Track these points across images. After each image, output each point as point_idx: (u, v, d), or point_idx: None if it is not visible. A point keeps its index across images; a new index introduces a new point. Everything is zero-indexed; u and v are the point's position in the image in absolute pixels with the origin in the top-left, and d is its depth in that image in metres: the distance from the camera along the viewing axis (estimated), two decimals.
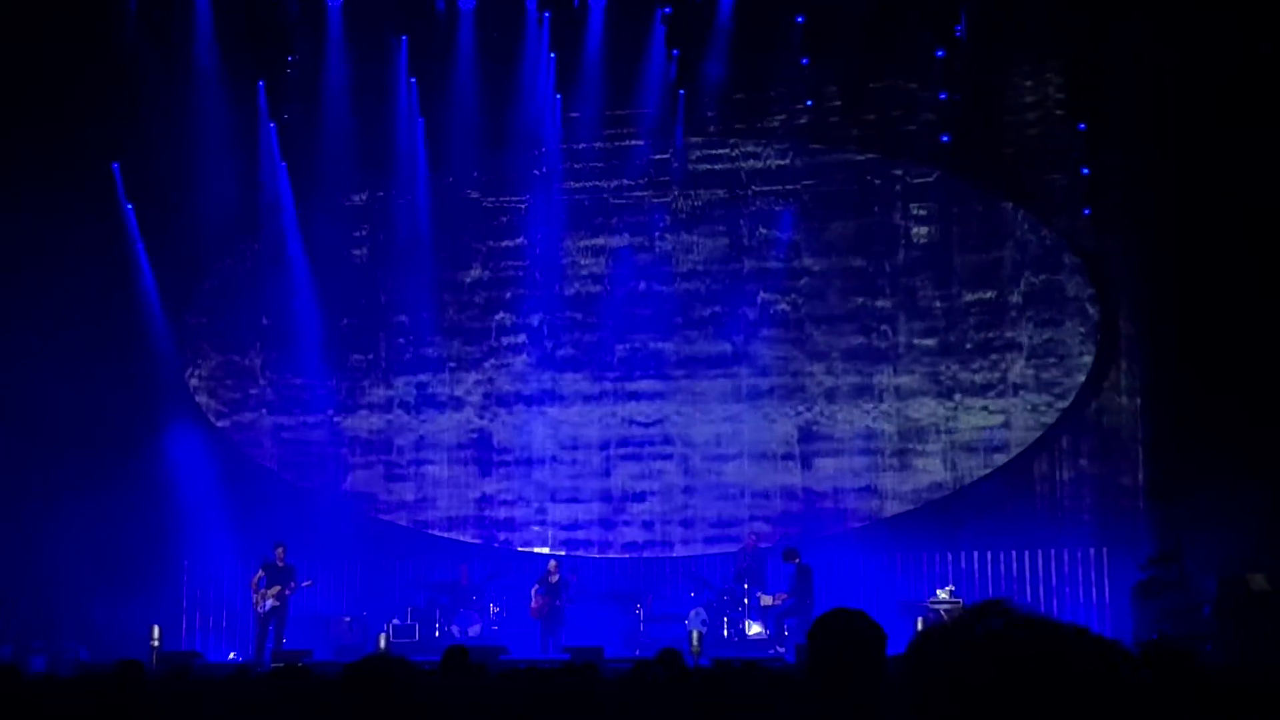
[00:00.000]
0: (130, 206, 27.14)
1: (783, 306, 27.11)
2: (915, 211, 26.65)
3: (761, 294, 27.17)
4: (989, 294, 26.25)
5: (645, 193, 27.75)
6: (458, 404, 27.94)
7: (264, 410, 28.18)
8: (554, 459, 27.67)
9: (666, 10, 26.92)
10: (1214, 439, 22.74)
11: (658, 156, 27.67)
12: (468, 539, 27.61)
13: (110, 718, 7.14)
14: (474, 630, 25.13)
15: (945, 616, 22.67)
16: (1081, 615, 24.72)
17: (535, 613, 25.08)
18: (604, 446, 27.52)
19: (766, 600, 24.64)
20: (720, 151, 27.61)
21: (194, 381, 28.29)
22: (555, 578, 25.20)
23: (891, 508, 26.29)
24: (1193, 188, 23.17)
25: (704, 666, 18.23)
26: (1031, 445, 25.85)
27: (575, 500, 27.51)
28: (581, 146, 27.79)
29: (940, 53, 25.93)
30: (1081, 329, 25.87)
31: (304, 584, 24.87)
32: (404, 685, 5.04)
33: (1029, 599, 25.20)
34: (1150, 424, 24.75)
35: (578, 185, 27.91)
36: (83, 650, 23.84)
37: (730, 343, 27.21)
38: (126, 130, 26.39)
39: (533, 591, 25.23)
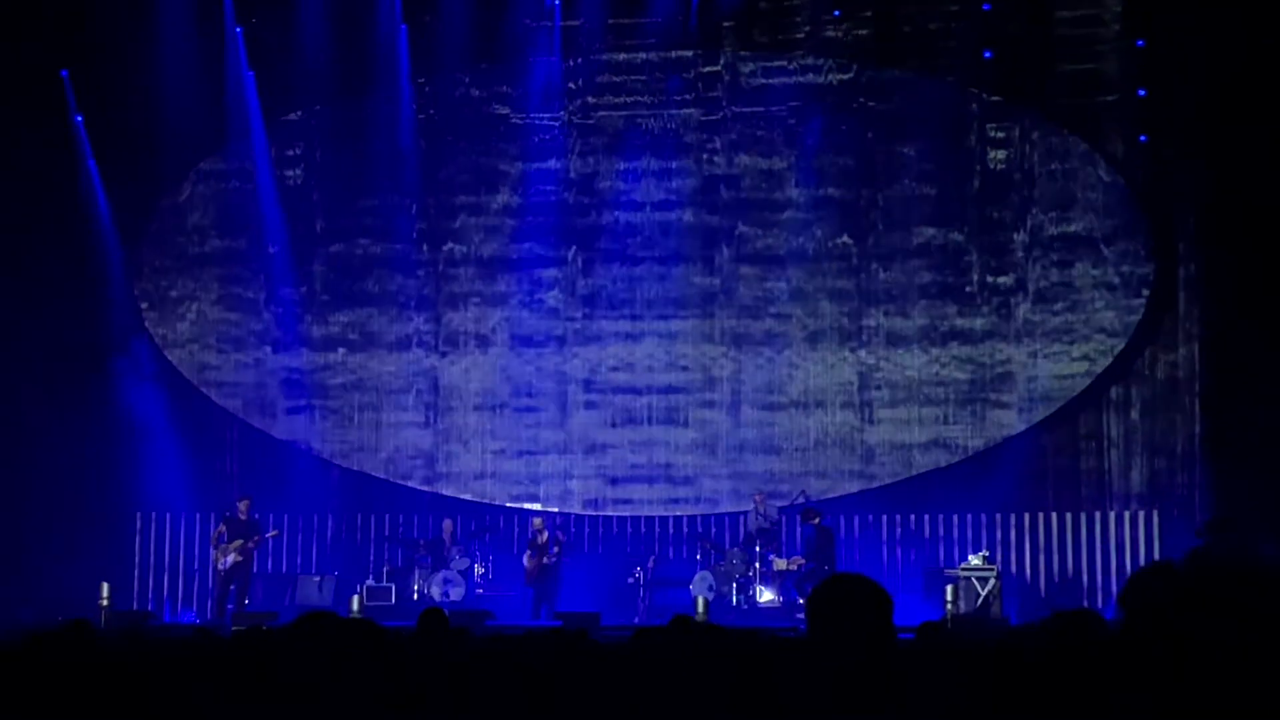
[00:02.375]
0: (80, 118, 27.00)
1: (844, 240, 26.92)
2: (993, 134, 26.44)
3: (816, 225, 26.99)
4: (1050, 229, 26.12)
5: (669, 112, 27.50)
6: (483, 342, 27.71)
7: (228, 346, 28.06)
8: (588, 404, 27.47)
9: None
10: (1279, 391, 22.72)
11: (680, 72, 27.39)
12: (451, 493, 27.56)
13: (54, 683, 7.15)
14: (456, 593, 25.19)
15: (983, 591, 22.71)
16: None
17: (529, 577, 25.17)
18: (639, 391, 27.40)
19: (781, 564, 24.66)
20: (756, 66, 27.23)
21: (149, 313, 28.20)
22: (544, 537, 25.27)
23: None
24: (1263, 114, 23.03)
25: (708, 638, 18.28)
26: (1077, 397, 25.82)
27: (604, 449, 27.36)
28: (585, 60, 27.56)
29: None
30: (1133, 270, 25.80)
31: (269, 534, 24.94)
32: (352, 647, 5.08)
33: (1072, 566, 25.26)
34: (1208, 374, 24.70)
35: (595, 101, 27.66)
36: (24, 610, 23.90)
37: (783, 280, 27.08)
38: (76, 34, 26.20)
39: (525, 556, 25.34)
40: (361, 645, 5.25)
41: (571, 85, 27.68)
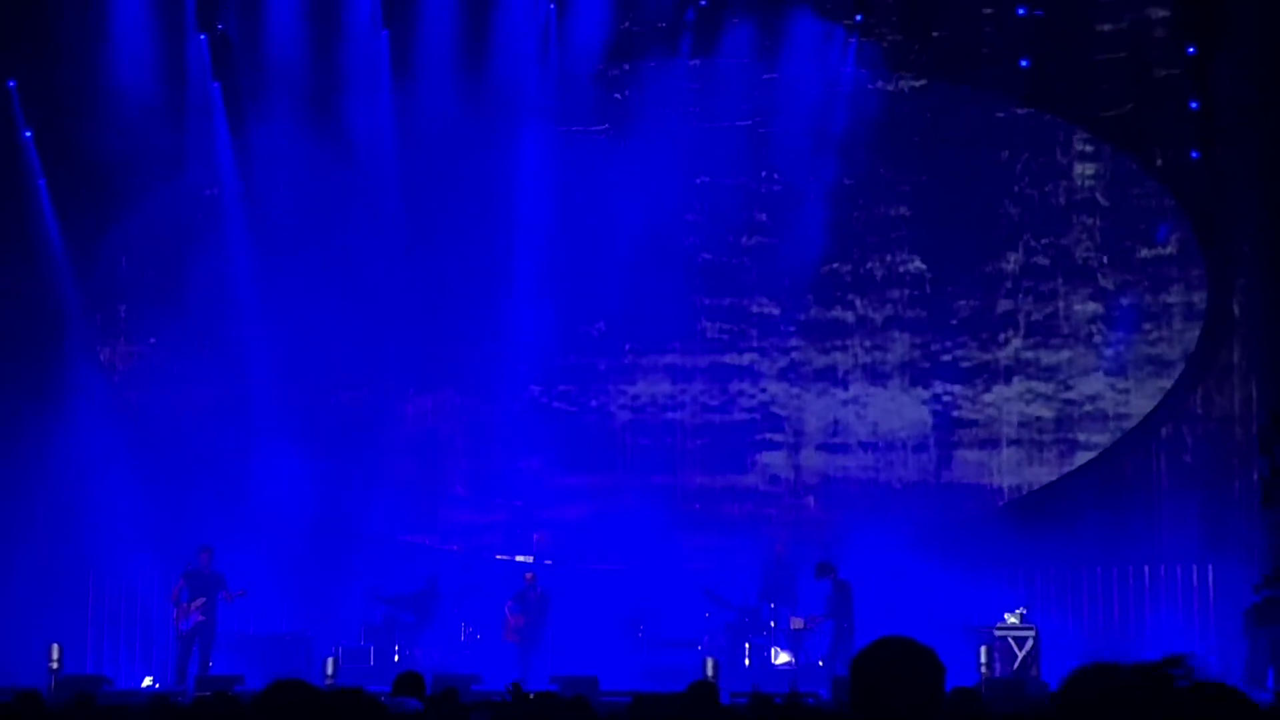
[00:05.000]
0: (29, 133, 26.99)
1: (916, 264, 26.93)
2: (1082, 147, 26.39)
3: (884, 249, 26.96)
4: (1131, 254, 26.13)
5: (702, 124, 27.28)
6: (515, 377, 27.62)
7: (190, 381, 27.91)
8: (629, 445, 27.46)
9: None
10: None
11: (709, 80, 27.32)
12: (438, 543, 27.43)
13: None
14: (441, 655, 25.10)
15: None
16: (1180, 644, 24.63)
17: (511, 633, 25.09)
18: (693, 433, 27.33)
19: (797, 623, 24.56)
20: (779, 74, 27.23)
21: (104, 345, 28.12)
22: (535, 592, 25.18)
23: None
24: None
25: (723, 704, 18.20)
26: (1123, 438, 25.76)
27: (651, 495, 27.24)
28: (588, 68, 27.52)
29: None
30: (1185, 298, 25.77)
31: (236, 594, 24.78)
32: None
33: (1118, 622, 25.17)
34: (1268, 413, 24.65)
35: (618, 111, 27.49)
36: None
37: (850, 308, 27.01)
38: (25, 42, 26.21)
39: (506, 608, 25.25)
40: (340, 717, 5.17)
41: (596, 94, 27.57)
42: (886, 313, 26.94)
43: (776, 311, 27.22)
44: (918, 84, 26.81)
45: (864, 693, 4.70)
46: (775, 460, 27.14)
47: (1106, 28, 25.89)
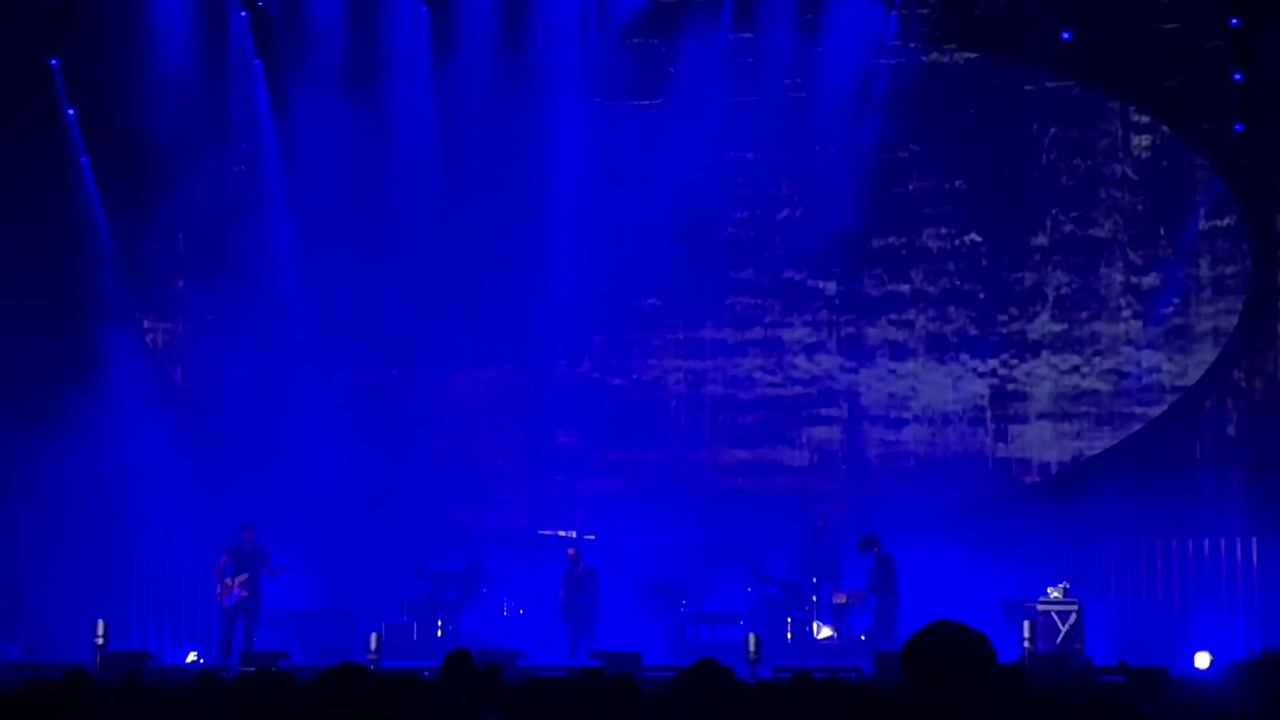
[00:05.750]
0: (72, 111, 27.05)
1: (972, 237, 26.90)
2: (1126, 119, 26.34)
3: (937, 222, 26.90)
4: (1165, 227, 26.10)
5: (755, 98, 27.28)
6: (562, 351, 27.75)
7: (234, 361, 28.00)
8: (681, 419, 27.53)
9: None
10: None
11: (763, 55, 27.26)
12: (480, 520, 27.46)
13: None
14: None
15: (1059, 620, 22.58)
16: (1225, 618, 24.58)
17: (563, 610, 25.11)
18: (738, 408, 27.38)
19: (840, 598, 24.57)
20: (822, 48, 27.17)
21: (147, 324, 28.21)
22: (579, 568, 25.18)
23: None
24: None
25: (764, 679, 18.21)
26: (1167, 410, 25.68)
27: (694, 471, 27.30)
28: (628, 41, 27.46)
29: None
30: (1229, 270, 25.66)
31: (279, 569, 24.85)
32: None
33: (1160, 596, 25.10)
34: None
35: (665, 87, 27.50)
36: (13, 649, 23.94)
37: (905, 282, 26.99)
38: (67, 21, 26.26)
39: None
40: (396, 706, 5.13)
41: (638, 67, 27.44)
42: (942, 285, 26.97)
43: (829, 286, 27.17)
44: (970, 56, 26.68)
45: (916, 676, 4.74)
46: (820, 435, 27.17)
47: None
